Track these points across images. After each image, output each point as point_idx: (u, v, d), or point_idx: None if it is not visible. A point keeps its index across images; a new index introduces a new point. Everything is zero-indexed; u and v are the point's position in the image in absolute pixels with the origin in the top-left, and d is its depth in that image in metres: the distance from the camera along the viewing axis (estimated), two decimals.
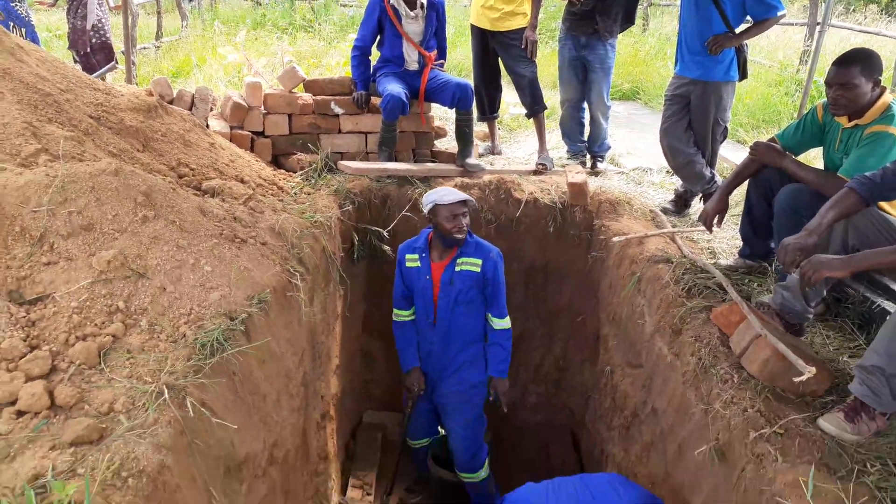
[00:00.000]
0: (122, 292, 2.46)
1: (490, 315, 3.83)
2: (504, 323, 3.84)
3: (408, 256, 3.81)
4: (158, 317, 2.45)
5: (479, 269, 3.71)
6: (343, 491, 4.44)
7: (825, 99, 3.13)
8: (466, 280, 3.72)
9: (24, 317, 2.27)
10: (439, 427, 4.25)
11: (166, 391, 2.09)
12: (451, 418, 4.00)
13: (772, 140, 3.46)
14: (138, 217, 2.73)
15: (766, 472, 2.29)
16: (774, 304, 3.02)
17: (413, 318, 3.90)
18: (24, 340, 2.20)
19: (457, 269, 3.72)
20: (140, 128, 3.66)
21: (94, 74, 6.57)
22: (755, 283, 3.44)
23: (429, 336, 3.86)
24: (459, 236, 3.62)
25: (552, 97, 6.38)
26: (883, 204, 2.90)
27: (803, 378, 2.41)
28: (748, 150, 3.47)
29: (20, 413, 1.98)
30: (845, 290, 3.27)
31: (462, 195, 3.63)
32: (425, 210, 3.67)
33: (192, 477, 2.05)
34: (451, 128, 5.19)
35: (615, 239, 4.00)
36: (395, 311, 3.92)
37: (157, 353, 2.28)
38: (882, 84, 3.00)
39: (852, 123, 3.06)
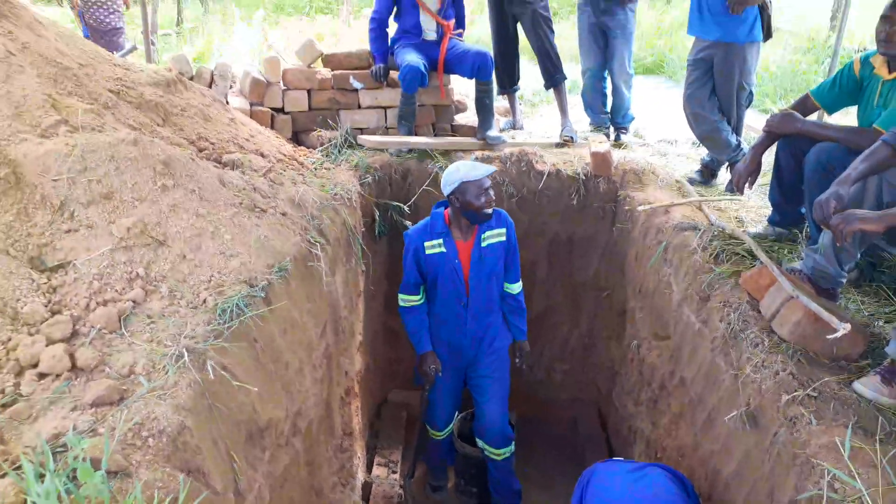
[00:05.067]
0: (142, 259, 2.46)
1: (506, 282, 3.75)
2: (519, 286, 3.80)
3: (427, 244, 3.52)
4: (178, 283, 2.44)
5: (504, 239, 3.59)
6: (368, 469, 4.44)
7: (862, 52, 3.01)
8: (495, 253, 3.59)
9: (46, 283, 2.28)
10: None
11: (186, 354, 2.09)
12: (488, 392, 3.85)
13: (804, 97, 3.35)
14: (157, 186, 2.72)
15: (799, 436, 2.22)
16: (806, 269, 2.92)
17: (422, 302, 3.70)
18: (46, 306, 2.20)
19: (483, 244, 3.54)
20: (160, 102, 3.65)
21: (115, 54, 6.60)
22: (785, 250, 3.34)
23: (460, 318, 3.67)
24: (489, 212, 3.39)
25: (573, 70, 6.27)
26: None
27: (837, 335, 2.33)
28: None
29: (42, 375, 1.98)
30: (880, 255, 3.16)
31: (490, 167, 3.43)
32: (449, 190, 3.36)
33: (212, 440, 2.04)
34: (471, 103, 5.12)
35: (641, 207, 3.92)
36: (404, 296, 3.67)
37: (178, 318, 2.28)
38: None
39: (893, 75, 2.94)
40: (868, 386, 2.37)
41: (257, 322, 2.41)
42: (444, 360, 3.78)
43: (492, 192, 3.39)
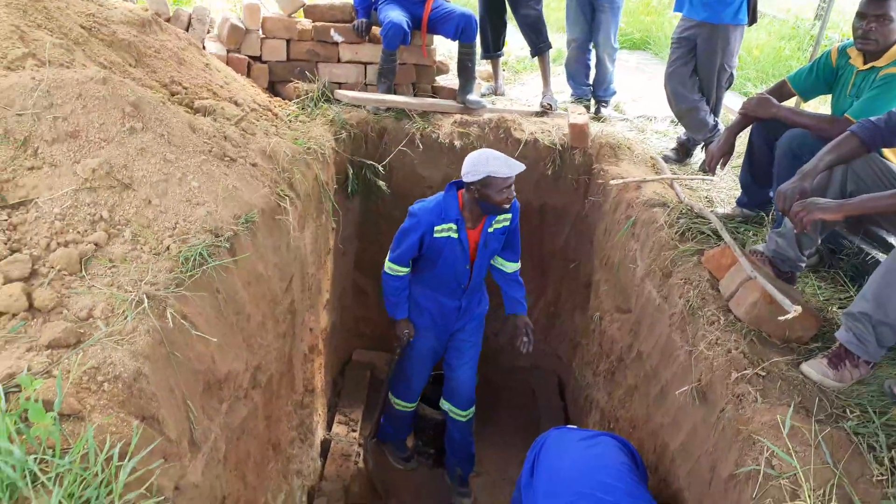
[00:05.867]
0: (107, 202, 2.42)
1: (504, 259, 3.73)
2: (519, 264, 3.78)
3: (438, 227, 3.40)
4: (142, 228, 2.41)
5: (509, 223, 3.56)
6: (329, 426, 4.48)
7: (841, 42, 3.04)
8: (498, 237, 3.57)
9: (6, 220, 2.24)
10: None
11: (146, 300, 2.07)
12: (466, 355, 3.89)
13: (781, 83, 3.38)
14: (126, 128, 2.67)
15: (744, 413, 2.29)
16: (768, 251, 2.99)
17: (408, 272, 3.62)
18: (5, 244, 2.17)
19: (490, 229, 3.49)
20: (133, 42, 3.55)
21: None
22: (751, 232, 3.40)
23: (455, 297, 3.67)
24: (508, 207, 3.30)
25: (559, 40, 6.22)
26: (886, 151, 2.85)
27: (788, 316, 2.40)
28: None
29: None
30: (840, 242, 3.24)
31: (520, 165, 3.24)
32: (472, 178, 3.20)
33: (169, 388, 2.04)
34: (454, 65, 5.06)
35: (613, 182, 3.94)
36: (394, 266, 3.56)
37: (140, 263, 2.26)
38: None
39: (868, 66, 2.98)
40: (815, 368, 2.45)
41: (220, 273, 2.39)
42: (428, 329, 3.78)
43: (513, 188, 3.28)
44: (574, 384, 4.78)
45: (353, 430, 4.46)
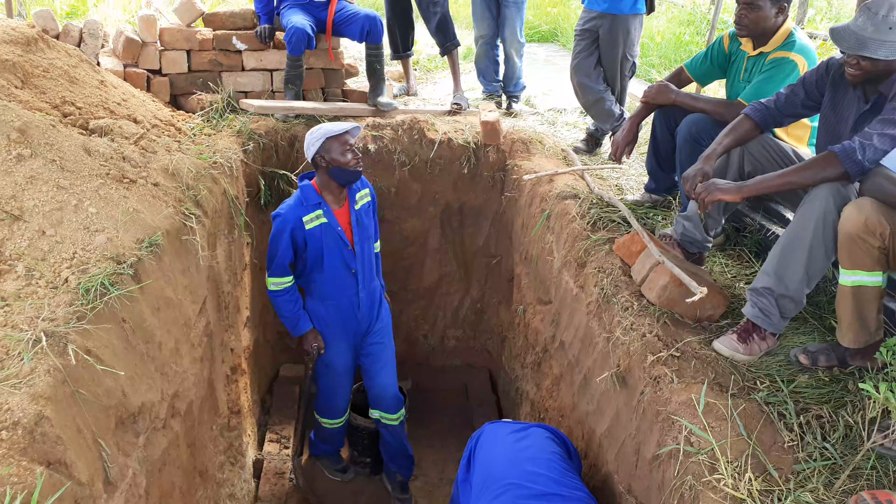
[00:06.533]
0: None
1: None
2: (380, 244, 3.88)
3: (306, 218, 3.39)
4: (37, 262, 2.29)
5: (370, 199, 3.66)
6: (260, 446, 4.36)
7: (732, 29, 3.16)
8: (368, 213, 3.62)
9: None
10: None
11: (44, 338, 1.97)
12: (381, 359, 3.85)
13: (679, 70, 3.50)
14: (12, 155, 2.53)
15: (662, 394, 2.37)
16: (675, 235, 3.10)
17: (293, 282, 3.55)
18: None
19: (356, 206, 3.54)
20: (18, 62, 3.35)
21: None
22: (659, 217, 3.52)
23: (351, 288, 3.60)
24: (359, 169, 3.39)
25: (467, 37, 6.26)
26: (779, 131, 2.99)
27: (695, 298, 2.49)
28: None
29: None
30: (743, 220, 3.38)
31: (355, 124, 3.41)
32: (313, 150, 3.31)
33: (76, 428, 1.94)
34: (363, 67, 5.01)
35: (526, 177, 4.00)
36: (276, 280, 3.47)
37: (35, 299, 2.14)
38: (787, 11, 3.05)
39: (757, 51, 3.12)
40: (725, 344, 2.55)
41: (125, 301, 2.29)
42: (338, 340, 3.71)
43: (357, 151, 3.40)
44: (504, 378, 4.83)
45: (286, 447, 4.35)
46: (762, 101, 2.74)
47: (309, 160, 3.39)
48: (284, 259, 3.41)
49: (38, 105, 3.24)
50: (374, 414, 3.98)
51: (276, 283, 3.49)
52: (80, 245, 2.41)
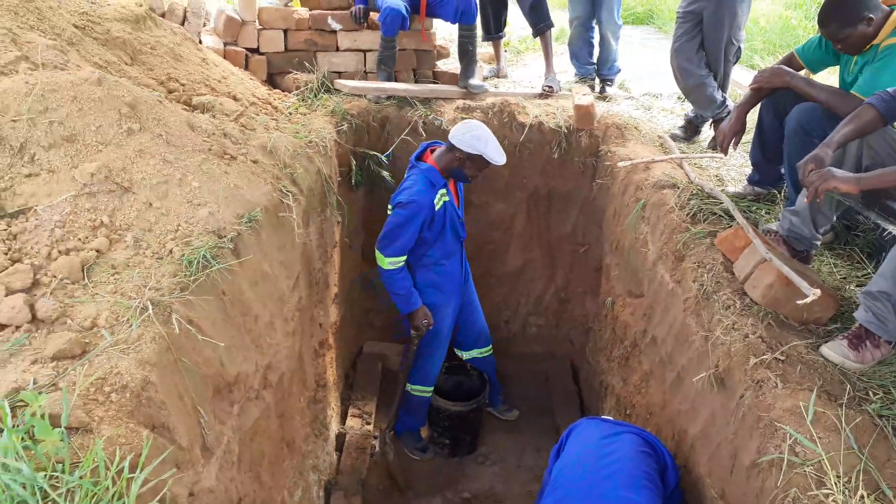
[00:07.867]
0: (107, 206, 2.38)
1: None
2: None
3: (436, 199, 3.66)
4: (144, 232, 2.37)
5: None
6: (343, 420, 4.46)
7: None
8: (460, 187, 3.98)
9: (5, 230, 2.21)
10: None
11: (151, 307, 2.04)
12: (473, 303, 4.30)
13: (789, 55, 3.29)
14: (123, 129, 2.62)
15: (764, 399, 2.24)
16: (782, 230, 2.92)
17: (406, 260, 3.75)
18: (5, 254, 2.13)
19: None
20: (128, 39, 3.50)
21: None
22: (763, 211, 3.33)
23: (457, 256, 3.96)
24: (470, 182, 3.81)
25: (561, 18, 6.10)
26: None
27: (807, 300, 2.34)
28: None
29: (1, 326, 1.93)
30: (856, 218, 3.16)
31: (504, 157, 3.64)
32: (466, 149, 3.52)
33: (178, 394, 2.01)
34: (454, 49, 4.98)
35: (621, 163, 3.87)
36: (395, 259, 3.64)
37: (143, 269, 2.22)
38: (876, 12, 2.79)
39: (868, 45, 2.89)
40: (835, 350, 2.39)
41: (225, 275, 2.35)
42: (448, 303, 3.99)
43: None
44: (587, 369, 4.74)
45: (368, 423, 4.43)
46: (889, 90, 2.53)
47: (455, 146, 3.55)
48: (412, 241, 3.65)
49: (145, 81, 3.37)
50: (469, 354, 4.41)
51: (394, 262, 3.67)
52: (184, 218, 2.48)
